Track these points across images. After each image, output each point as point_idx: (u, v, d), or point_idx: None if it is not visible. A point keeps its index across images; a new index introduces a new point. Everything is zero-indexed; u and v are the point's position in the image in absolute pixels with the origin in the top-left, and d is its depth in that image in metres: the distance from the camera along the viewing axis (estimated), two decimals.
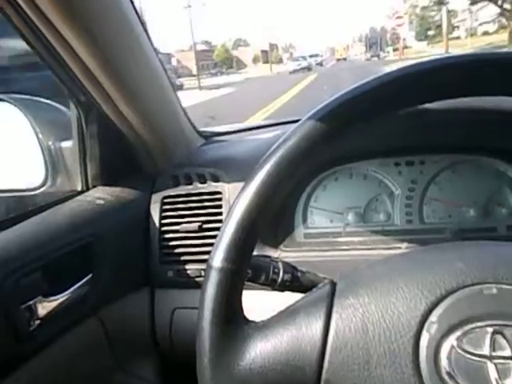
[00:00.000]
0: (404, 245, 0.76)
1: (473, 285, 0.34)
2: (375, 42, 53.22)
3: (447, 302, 0.34)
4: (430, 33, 51.90)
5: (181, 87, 25.01)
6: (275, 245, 0.77)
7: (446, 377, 0.32)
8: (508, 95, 0.39)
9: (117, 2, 0.66)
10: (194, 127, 0.98)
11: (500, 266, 0.35)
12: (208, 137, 1.03)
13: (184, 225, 0.81)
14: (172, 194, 0.84)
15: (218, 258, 0.38)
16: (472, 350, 0.32)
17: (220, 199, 0.79)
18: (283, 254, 0.75)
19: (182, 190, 0.84)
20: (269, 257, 0.53)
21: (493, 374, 0.31)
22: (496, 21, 34.94)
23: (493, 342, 0.32)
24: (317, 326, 0.36)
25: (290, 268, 0.53)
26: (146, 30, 0.74)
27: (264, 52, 63.81)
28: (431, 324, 0.34)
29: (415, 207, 0.79)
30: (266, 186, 0.38)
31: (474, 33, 41.80)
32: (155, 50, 0.78)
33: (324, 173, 0.82)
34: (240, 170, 0.77)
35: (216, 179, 0.81)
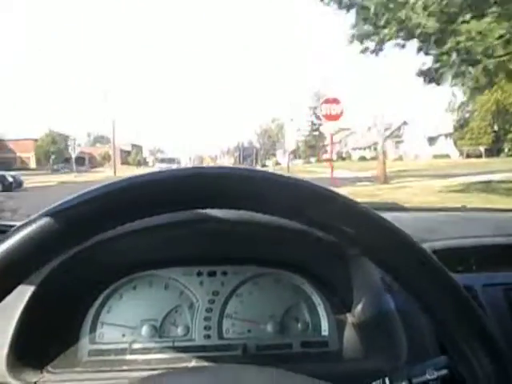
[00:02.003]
0: (194, 362, 0.69)
1: None
2: (249, 155, 57.22)
3: None
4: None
5: None
6: (42, 365, 0.64)
7: None
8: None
9: None
10: None
11: None
12: None
13: None
14: None
15: None
16: None
17: None
18: (47, 378, 0.61)
19: None
20: None
21: None
22: (372, 148, 40.08)
23: None
24: None
25: None
26: None
27: (125, 152, 62.87)
28: None
29: (214, 321, 0.75)
30: None
31: (348, 156, 46.99)
32: None
33: (121, 280, 0.75)
34: None
35: None
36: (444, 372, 0.43)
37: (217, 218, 0.67)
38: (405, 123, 41.77)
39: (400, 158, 37.70)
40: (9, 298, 0.62)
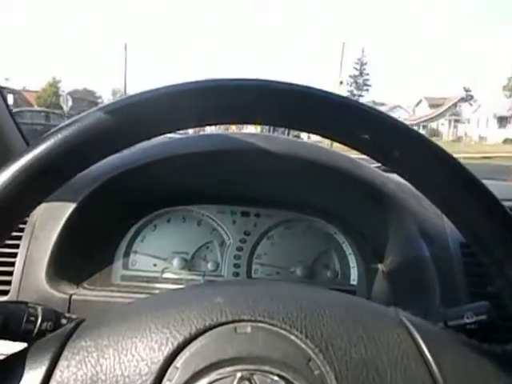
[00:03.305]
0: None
1: (227, 323, 0.30)
2: None
3: (196, 343, 0.29)
4: None
5: None
6: (78, 281, 0.67)
7: None
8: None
9: None
10: (24, 138, 0.88)
11: (259, 302, 0.32)
12: None
13: None
14: None
15: None
16: None
17: (25, 222, 0.68)
18: (82, 292, 0.65)
19: None
20: (25, 303, 0.43)
21: None
22: (421, 126, 35.61)
23: None
24: (36, 377, 0.28)
25: (54, 314, 0.43)
26: None
27: None
28: (175, 370, 0.28)
29: (244, 260, 0.75)
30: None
31: None
32: None
33: (156, 212, 0.77)
34: (59, 193, 0.68)
35: None
36: (483, 317, 0.41)
37: (260, 148, 0.66)
38: (463, 99, 38.63)
39: (458, 140, 32.17)
40: (48, 213, 0.66)
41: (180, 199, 0.77)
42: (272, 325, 0.31)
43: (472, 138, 33.71)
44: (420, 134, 0.34)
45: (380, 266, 0.74)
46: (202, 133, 0.89)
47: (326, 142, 5.45)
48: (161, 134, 0.34)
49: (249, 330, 0.30)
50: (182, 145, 0.71)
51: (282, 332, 0.30)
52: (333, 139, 0.34)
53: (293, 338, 0.30)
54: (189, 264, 0.74)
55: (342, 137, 0.33)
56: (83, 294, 0.65)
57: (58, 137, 0.31)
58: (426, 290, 0.61)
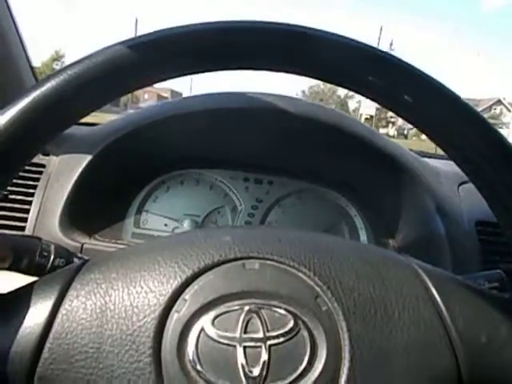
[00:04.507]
0: None
1: (236, 259, 0.30)
2: None
3: (205, 277, 0.30)
4: None
5: None
6: (90, 232, 0.69)
7: (188, 366, 0.27)
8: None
9: None
10: (35, 75, 0.89)
11: (268, 242, 0.32)
12: None
13: None
14: None
15: None
16: (222, 333, 0.27)
17: (41, 172, 0.70)
18: (93, 242, 0.66)
19: None
20: (38, 238, 0.44)
21: (240, 359, 0.27)
22: None
23: (246, 323, 0.27)
24: (45, 306, 0.29)
25: (66, 253, 0.45)
26: None
27: (164, 98, 60.05)
28: (183, 302, 0.28)
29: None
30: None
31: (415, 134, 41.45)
32: None
33: (169, 173, 0.78)
34: (76, 147, 0.70)
35: (46, 152, 0.72)
36: (495, 285, 0.41)
37: (278, 108, 0.66)
38: (499, 102, 36.98)
39: None
40: (64, 165, 0.68)
41: (194, 162, 0.78)
42: (280, 262, 0.30)
43: None
44: (432, 79, 0.32)
45: (391, 242, 0.72)
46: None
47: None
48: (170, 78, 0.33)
49: (257, 266, 0.30)
50: (195, 102, 0.70)
51: (290, 269, 0.30)
52: (333, 83, 0.33)
53: (301, 275, 0.30)
54: (199, 227, 0.75)
55: (344, 80, 0.32)
56: (94, 244, 0.66)
57: (68, 73, 0.30)
58: (438, 267, 0.60)
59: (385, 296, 0.30)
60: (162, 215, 0.76)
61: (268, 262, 0.31)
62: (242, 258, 0.30)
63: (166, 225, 0.75)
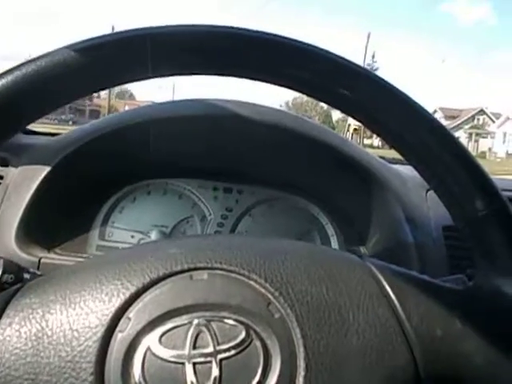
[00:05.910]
0: None
1: (182, 271, 0.29)
2: None
3: (151, 292, 0.28)
4: None
5: None
6: (50, 246, 0.66)
7: None
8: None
9: None
10: None
11: (217, 251, 0.30)
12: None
13: None
14: None
15: None
16: (170, 351, 0.26)
17: None
18: (52, 256, 0.64)
19: None
20: None
21: (190, 377, 0.25)
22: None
23: (195, 338, 0.26)
24: None
25: (16, 268, 0.43)
26: None
27: None
28: (127, 321, 0.27)
29: None
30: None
31: None
32: None
33: (136, 183, 0.76)
34: (35, 157, 0.68)
35: (5, 163, 0.70)
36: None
37: (239, 115, 0.64)
38: (482, 112, 37.57)
39: (482, 156, 28.32)
40: (23, 175, 0.65)
41: (161, 172, 0.76)
42: (230, 271, 0.29)
43: (497, 155, 30.78)
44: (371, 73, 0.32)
45: (362, 249, 0.71)
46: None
47: None
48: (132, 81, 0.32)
49: (206, 276, 0.29)
50: (161, 109, 0.69)
51: (241, 277, 0.29)
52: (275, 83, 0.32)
53: (251, 282, 0.29)
54: (168, 237, 0.73)
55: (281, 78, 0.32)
56: (52, 257, 0.63)
57: (17, 74, 0.29)
58: None
59: (338, 298, 0.29)
60: (129, 227, 0.73)
61: (217, 271, 0.29)
62: (189, 270, 0.29)
63: (132, 236, 0.73)
